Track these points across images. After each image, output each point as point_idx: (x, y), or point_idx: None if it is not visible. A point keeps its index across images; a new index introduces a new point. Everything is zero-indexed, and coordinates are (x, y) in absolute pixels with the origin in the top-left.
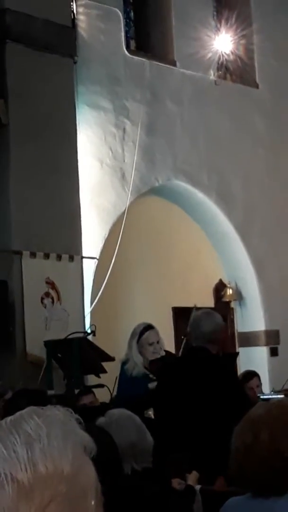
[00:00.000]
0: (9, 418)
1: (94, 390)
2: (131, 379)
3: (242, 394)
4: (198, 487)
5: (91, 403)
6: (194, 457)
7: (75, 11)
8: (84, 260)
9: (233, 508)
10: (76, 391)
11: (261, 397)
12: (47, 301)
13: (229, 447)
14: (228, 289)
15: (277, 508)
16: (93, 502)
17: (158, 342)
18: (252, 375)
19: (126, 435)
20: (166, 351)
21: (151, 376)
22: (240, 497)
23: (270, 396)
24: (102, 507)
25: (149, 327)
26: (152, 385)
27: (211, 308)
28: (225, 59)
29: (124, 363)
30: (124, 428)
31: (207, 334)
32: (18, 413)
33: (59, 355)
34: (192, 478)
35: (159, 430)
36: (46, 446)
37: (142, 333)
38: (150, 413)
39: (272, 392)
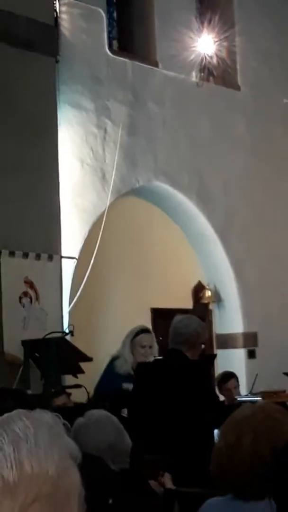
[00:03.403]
0: None
1: (72, 390)
2: (115, 375)
3: (213, 399)
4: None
5: (63, 404)
6: (167, 458)
7: (58, 10)
8: (63, 259)
9: (212, 509)
10: (54, 391)
11: (238, 399)
12: (25, 300)
13: (198, 449)
14: (206, 291)
15: None
16: (76, 506)
17: (150, 347)
18: (230, 376)
19: (104, 436)
20: (156, 358)
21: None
22: (219, 498)
23: (247, 398)
24: None
25: (145, 330)
26: (126, 385)
27: (189, 309)
28: (208, 61)
29: (114, 359)
30: (103, 428)
31: (181, 336)
32: (6, 415)
33: (37, 354)
34: (167, 481)
35: (132, 431)
36: (33, 447)
37: (137, 334)
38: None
39: (249, 394)
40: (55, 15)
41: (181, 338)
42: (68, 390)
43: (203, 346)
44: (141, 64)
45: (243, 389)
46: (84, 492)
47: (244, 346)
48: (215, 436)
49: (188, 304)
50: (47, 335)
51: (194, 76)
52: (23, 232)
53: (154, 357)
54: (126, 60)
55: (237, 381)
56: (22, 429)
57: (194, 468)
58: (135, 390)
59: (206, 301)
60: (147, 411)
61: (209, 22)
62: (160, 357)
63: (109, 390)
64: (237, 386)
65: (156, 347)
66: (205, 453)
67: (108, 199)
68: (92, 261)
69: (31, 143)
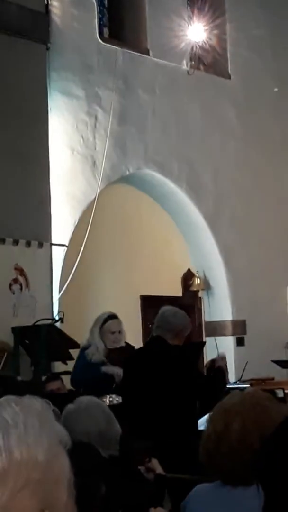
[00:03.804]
0: None
1: (61, 377)
2: (89, 364)
3: (199, 376)
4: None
5: (58, 389)
6: (157, 445)
7: None
8: (53, 247)
9: (200, 495)
10: (43, 377)
11: (227, 386)
12: (15, 287)
13: (183, 435)
14: (196, 279)
15: (244, 498)
16: (65, 492)
17: (120, 332)
18: None
19: (95, 422)
20: (126, 343)
21: (108, 364)
22: (208, 484)
23: (235, 386)
24: (73, 498)
25: (113, 316)
26: (105, 368)
27: (178, 297)
28: (198, 49)
29: (84, 348)
30: (93, 415)
31: (168, 324)
32: None
33: (27, 341)
34: (156, 466)
35: (125, 419)
36: (23, 434)
37: (105, 321)
38: (105, 400)
39: (238, 382)
40: (46, 2)
41: (167, 326)
42: None
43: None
44: (132, 52)
45: (232, 377)
46: (75, 479)
47: (233, 334)
48: (200, 423)
49: (177, 291)
50: (37, 322)
51: (184, 64)
52: (14, 219)
53: (125, 342)
54: (117, 48)
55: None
56: (12, 416)
57: (179, 454)
58: (124, 378)
59: (195, 289)
60: (136, 397)
61: (200, 9)
62: (143, 345)
63: (85, 378)
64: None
65: (124, 332)
66: (189, 439)
67: (98, 186)
68: (82, 249)
69: (21, 131)
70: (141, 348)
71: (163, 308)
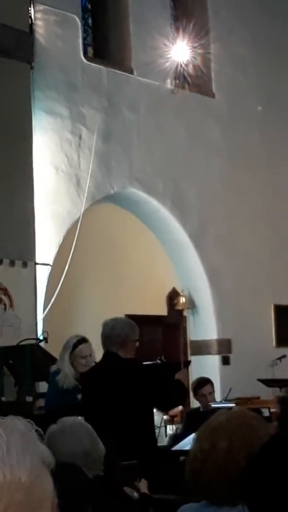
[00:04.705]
0: None
1: None
2: (62, 391)
3: (158, 383)
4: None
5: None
6: (142, 464)
7: (33, 17)
8: (37, 266)
9: None
10: (28, 398)
11: (213, 405)
12: None
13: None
14: (181, 297)
15: None
16: None
17: (90, 355)
18: (205, 382)
19: (80, 443)
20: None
21: (81, 388)
22: (194, 504)
23: (221, 405)
24: None
25: (83, 340)
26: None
27: (164, 316)
28: (183, 68)
29: (55, 374)
30: (78, 435)
31: (109, 338)
32: None
33: (11, 361)
34: (143, 486)
35: None
36: (5, 454)
37: (76, 345)
38: None
39: (223, 401)
40: (30, 22)
41: (109, 340)
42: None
43: (137, 343)
44: (116, 71)
45: (217, 396)
46: (61, 500)
47: (219, 353)
48: (186, 443)
49: (163, 310)
50: (21, 342)
51: (169, 83)
52: None
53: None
54: (101, 67)
55: (212, 386)
56: None
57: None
58: (82, 398)
59: (180, 308)
60: (97, 416)
61: (184, 29)
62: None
63: (61, 403)
64: (212, 392)
65: (94, 353)
66: (146, 456)
67: (83, 205)
68: (66, 268)
69: (5, 150)
70: (94, 365)
71: (103, 322)
